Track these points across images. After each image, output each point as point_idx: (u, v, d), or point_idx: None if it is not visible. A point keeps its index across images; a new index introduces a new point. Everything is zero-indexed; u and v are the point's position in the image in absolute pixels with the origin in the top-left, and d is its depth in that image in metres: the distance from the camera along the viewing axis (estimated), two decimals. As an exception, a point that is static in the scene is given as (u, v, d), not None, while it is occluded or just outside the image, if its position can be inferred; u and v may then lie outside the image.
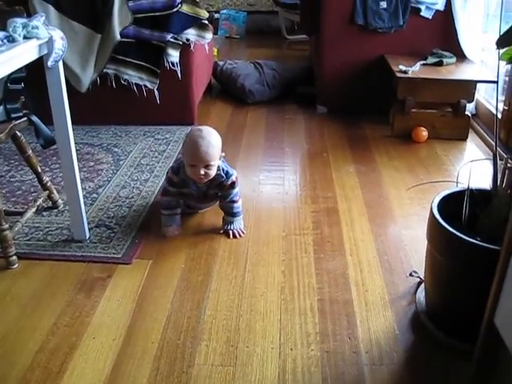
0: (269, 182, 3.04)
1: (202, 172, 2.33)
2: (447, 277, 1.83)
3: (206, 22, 3.77)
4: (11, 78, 2.28)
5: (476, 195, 1.85)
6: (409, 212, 2.70)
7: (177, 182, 2.45)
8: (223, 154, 2.43)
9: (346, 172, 3.14)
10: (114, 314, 2.02)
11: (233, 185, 2.48)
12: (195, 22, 3.71)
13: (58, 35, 2.06)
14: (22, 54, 1.93)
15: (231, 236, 2.49)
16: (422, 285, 2.09)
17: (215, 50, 5.20)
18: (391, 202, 2.80)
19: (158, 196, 2.83)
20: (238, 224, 2.54)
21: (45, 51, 2.05)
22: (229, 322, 1.96)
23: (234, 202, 2.52)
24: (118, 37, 3.57)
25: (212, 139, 2.35)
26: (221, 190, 2.49)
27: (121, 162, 3.28)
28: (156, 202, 2.78)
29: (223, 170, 2.45)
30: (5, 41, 1.87)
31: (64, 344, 1.88)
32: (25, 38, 1.94)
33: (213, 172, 2.36)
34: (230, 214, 2.54)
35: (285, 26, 7.02)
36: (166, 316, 2.00)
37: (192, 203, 2.63)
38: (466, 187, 1.86)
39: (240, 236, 2.50)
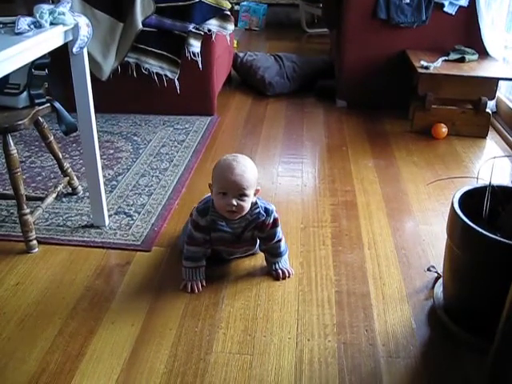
0: (287, 174, 3.05)
1: (234, 203, 1.97)
2: (466, 272, 1.83)
3: (228, 12, 3.78)
4: (35, 64, 2.29)
5: (497, 192, 1.85)
6: (427, 207, 2.69)
7: (204, 225, 2.07)
8: (259, 188, 2.09)
9: (365, 166, 3.13)
10: (133, 300, 2.04)
11: (276, 222, 2.13)
12: (217, 13, 3.71)
13: (83, 22, 2.08)
14: (48, 40, 1.95)
15: (280, 277, 2.16)
16: (440, 280, 2.09)
17: (235, 41, 5.20)
18: (410, 196, 2.79)
19: (177, 186, 2.85)
20: (284, 263, 2.20)
21: (70, 38, 2.07)
22: (246, 311, 1.97)
23: (279, 241, 2.17)
24: (140, 26, 3.58)
25: (248, 165, 2.03)
26: (262, 231, 2.13)
27: (140, 151, 3.30)
28: (175, 190, 2.79)
29: (261, 206, 2.09)
30: (32, 26, 1.88)
31: (83, 328, 1.90)
32: (51, 24, 1.96)
33: (247, 206, 2.02)
34: (275, 254, 2.19)
35: (305, 19, 7.00)
36: (185, 304, 2.01)
37: (223, 248, 2.19)
38: (487, 183, 1.85)
39: (289, 276, 2.17)
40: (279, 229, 2.16)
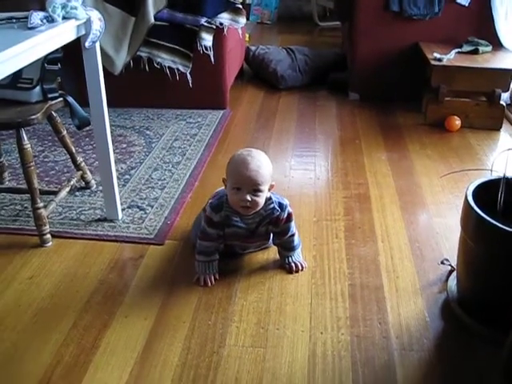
0: (300, 168, 3.04)
1: (249, 198, 1.95)
2: (480, 264, 1.82)
3: (240, 6, 3.77)
4: (48, 59, 2.30)
5: (511, 184, 1.84)
6: (441, 200, 2.68)
7: (218, 221, 2.05)
8: (274, 184, 2.06)
9: (378, 159, 3.12)
10: (146, 293, 2.05)
11: (290, 217, 2.12)
12: (229, 6, 3.71)
13: (95, 16, 2.08)
14: (61, 35, 1.96)
15: (294, 270, 2.15)
16: (454, 273, 2.08)
17: (247, 35, 5.20)
18: (423, 189, 2.78)
19: (190, 180, 2.86)
20: (298, 256, 2.19)
21: (82, 32, 2.08)
22: (259, 304, 1.97)
23: (293, 235, 2.17)
24: (152, 20, 3.59)
25: (263, 160, 2.01)
26: (276, 225, 2.12)
27: (153, 145, 3.31)
28: (188, 183, 2.80)
29: (275, 201, 2.07)
30: (44, 21, 1.89)
31: (97, 321, 1.91)
32: (63, 18, 1.96)
33: (261, 201, 2.00)
34: (289, 248, 2.18)
35: (317, 13, 6.97)
36: (198, 297, 2.02)
37: (236, 243, 2.18)
38: (502, 175, 1.84)
39: (302, 270, 2.16)
40: (293, 223, 2.15)
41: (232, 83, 4.13)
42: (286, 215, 2.10)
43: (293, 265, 2.16)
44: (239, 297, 2.02)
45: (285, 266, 2.18)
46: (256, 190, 1.96)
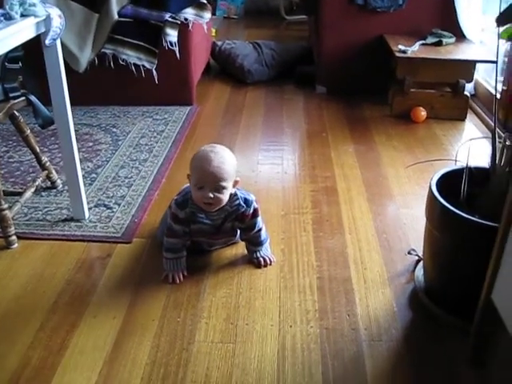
0: (267, 162, 3.04)
1: (211, 195, 1.95)
2: (445, 254, 1.84)
3: (205, 1, 3.76)
4: (9, 57, 2.27)
5: (474, 173, 1.86)
6: (407, 191, 2.70)
7: (183, 218, 2.04)
8: (238, 179, 2.06)
9: (345, 152, 3.14)
10: (114, 292, 2.03)
11: (256, 213, 2.12)
12: (193, 2, 3.71)
13: (55, 13, 2.05)
14: (20, 32, 1.92)
15: (262, 265, 2.15)
16: (421, 263, 2.10)
17: (213, 30, 5.18)
18: (390, 181, 2.80)
19: (157, 177, 2.84)
20: (266, 250, 2.19)
21: (42, 29, 2.04)
22: (228, 300, 1.97)
23: (260, 230, 2.16)
24: (116, 16, 3.56)
25: (226, 156, 1.99)
26: (242, 221, 2.11)
27: (119, 142, 3.28)
28: (155, 180, 2.78)
29: (241, 197, 2.07)
30: (1, 18, 1.86)
31: (64, 322, 1.88)
32: (22, 15, 1.93)
33: (225, 198, 1.99)
34: (256, 243, 2.18)
35: (283, 7, 6.97)
36: (166, 295, 2.01)
37: (203, 240, 2.18)
38: (465, 165, 1.86)
39: (270, 264, 2.16)
40: (259, 219, 2.15)
41: (199, 79, 4.11)
42: (251, 211, 2.10)
43: (261, 259, 2.16)
44: (208, 293, 2.01)
45: (253, 260, 2.18)
46: (219, 187, 1.95)
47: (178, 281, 2.07)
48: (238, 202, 2.06)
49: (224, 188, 1.96)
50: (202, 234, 2.13)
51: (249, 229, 2.15)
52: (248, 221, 2.12)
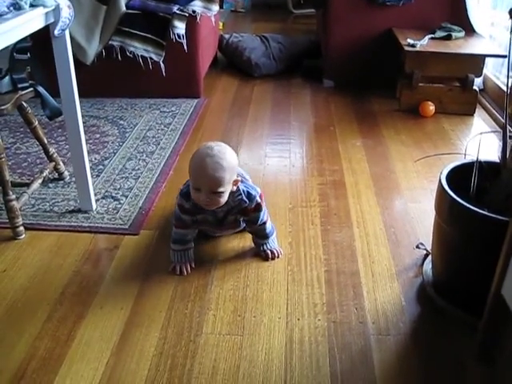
0: (275, 155, 3.03)
1: (208, 199, 1.92)
2: (454, 248, 1.83)
3: (213, -7, 3.74)
4: (17, 48, 2.26)
5: (484, 167, 1.84)
6: (415, 185, 2.69)
7: (189, 208, 2.02)
8: (239, 179, 2.00)
9: (353, 146, 3.12)
10: (122, 284, 2.03)
11: (258, 207, 2.08)
12: (201, -6, 3.68)
13: (64, 3, 2.04)
14: (29, 22, 1.92)
15: (269, 257, 2.14)
16: (429, 257, 2.09)
17: (221, 23, 5.16)
18: (398, 175, 2.79)
19: (164, 169, 2.84)
20: (273, 243, 2.18)
21: (51, 20, 2.04)
22: (236, 292, 1.97)
23: (264, 223, 2.13)
24: (124, 8, 3.55)
25: (224, 160, 1.89)
26: (245, 215, 2.10)
27: (127, 135, 3.27)
28: (162, 172, 2.77)
29: (244, 192, 2.03)
30: (11, 8, 1.85)
31: (72, 313, 1.88)
32: (31, 5, 1.92)
33: (222, 200, 1.95)
34: (262, 236, 2.16)
35: (291, 0, 6.94)
36: (174, 286, 2.00)
37: (207, 229, 2.20)
38: (475, 159, 1.85)
39: (278, 257, 2.15)
40: (262, 212, 2.11)
41: (206, 72, 4.11)
42: (253, 206, 2.07)
43: (268, 252, 2.15)
44: (215, 285, 2.01)
45: (260, 253, 2.17)
46: (215, 192, 1.91)
47: (185, 272, 2.07)
48: (240, 197, 2.03)
49: (221, 192, 1.92)
50: (206, 224, 2.12)
51: (252, 221, 2.13)
52: (251, 214, 2.10)
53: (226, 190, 1.93)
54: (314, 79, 4.24)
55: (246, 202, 2.04)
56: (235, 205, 2.05)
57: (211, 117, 3.59)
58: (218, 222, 2.11)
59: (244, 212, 2.09)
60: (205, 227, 2.16)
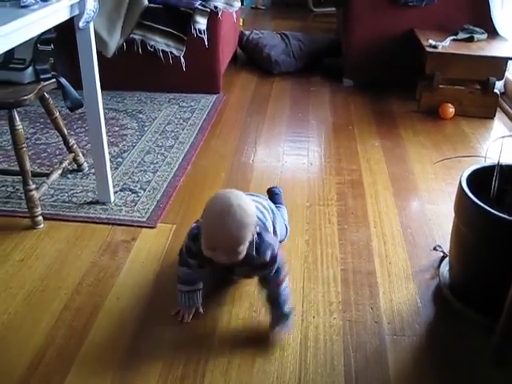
0: (293, 153, 3.03)
1: (225, 259, 1.63)
2: (473, 250, 1.82)
3: (235, -10, 3.75)
4: (41, 39, 2.28)
5: (505, 171, 1.84)
6: (434, 187, 2.68)
7: (196, 253, 1.72)
8: (257, 227, 1.68)
9: (372, 146, 3.12)
10: (138, 276, 2.04)
11: (265, 266, 1.71)
12: (224, -10, 3.68)
13: (89, -4, 2.05)
14: (54, 14, 1.93)
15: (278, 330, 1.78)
16: (446, 259, 2.09)
17: (241, 19, 5.16)
18: (416, 176, 2.78)
19: (183, 163, 2.84)
20: (288, 318, 1.77)
21: (76, 12, 2.05)
22: (251, 288, 1.97)
23: (276, 284, 1.75)
24: (146, 2, 3.56)
25: (246, 217, 1.59)
26: (252, 270, 1.76)
27: (145, 128, 3.29)
28: (181, 167, 2.78)
29: (256, 242, 1.67)
30: (38, 0, 1.86)
31: (89, 303, 1.90)
32: (57, -3, 1.94)
33: (241, 257, 1.64)
34: (272, 299, 1.78)
35: (311, -2, 6.93)
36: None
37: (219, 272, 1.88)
38: (496, 162, 1.84)
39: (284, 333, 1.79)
40: (273, 271, 1.73)
41: (226, 68, 4.11)
42: (261, 262, 1.70)
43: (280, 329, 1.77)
44: (231, 279, 2.01)
45: (273, 330, 1.78)
46: (234, 251, 1.62)
47: (187, 320, 1.83)
48: (247, 250, 1.66)
49: (240, 250, 1.62)
50: (217, 269, 1.82)
51: (263, 278, 1.80)
52: (257, 270, 1.76)
53: (246, 245, 1.64)
54: (333, 78, 4.23)
55: (253, 257, 1.68)
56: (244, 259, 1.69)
57: (230, 113, 3.59)
58: (227, 271, 1.82)
59: (251, 267, 1.73)
60: (216, 270, 1.85)
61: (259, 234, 1.69)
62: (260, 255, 1.68)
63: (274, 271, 1.72)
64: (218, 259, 1.63)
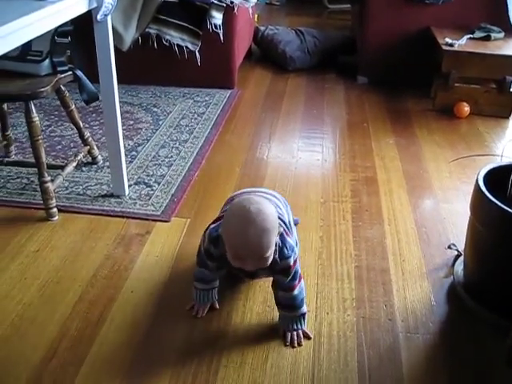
0: (307, 149, 3.03)
1: (253, 268, 1.61)
2: (488, 249, 1.81)
3: (251, -15, 3.74)
4: (58, 31, 2.28)
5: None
6: (448, 186, 2.67)
7: (216, 256, 1.70)
8: (281, 229, 1.64)
9: (386, 144, 3.11)
10: (152, 269, 2.04)
11: (288, 270, 1.68)
12: (240, -15, 3.68)
13: (107, -11, 2.06)
14: (72, 7, 1.93)
15: (294, 343, 1.72)
16: (460, 258, 2.08)
17: (256, 15, 5.15)
18: (431, 175, 2.77)
19: (197, 158, 2.85)
20: (300, 323, 1.75)
21: (94, 5, 2.06)
22: (265, 283, 1.96)
23: (290, 289, 1.71)
24: (162, -4, 3.56)
25: (267, 222, 1.53)
26: (274, 273, 1.72)
27: (160, 122, 3.29)
28: (195, 161, 2.79)
29: (278, 246, 1.63)
30: (56, -8, 1.86)
31: (103, 296, 1.91)
32: (76, -10, 1.94)
33: (270, 260, 1.60)
34: (283, 305, 1.76)
35: (326, -5, 6.92)
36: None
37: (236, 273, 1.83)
38: (513, 161, 1.83)
39: (300, 344, 1.72)
40: (290, 278, 1.70)
41: (240, 63, 4.10)
42: (281, 267, 1.67)
43: (294, 334, 1.74)
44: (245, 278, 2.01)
45: (282, 332, 1.76)
46: (261, 258, 1.58)
47: (201, 315, 1.83)
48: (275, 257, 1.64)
49: (268, 255, 1.58)
50: (237, 272, 1.79)
51: (277, 283, 1.76)
52: (276, 274, 1.72)
53: (273, 250, 1.60)
54: (347, 75, 4.21)
55: (276, 261, 1.65)
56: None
57: (244, 108, 3.59)
58: (248, 275, 1.82)
59: (272, 270, 1.69)
60: (234, 271, 1.80)
61: (281, 236, 1.65)
62: (283, 260, 1.65)
63: (288, 279, 1.70)
64: (247, 268, 1.61)
